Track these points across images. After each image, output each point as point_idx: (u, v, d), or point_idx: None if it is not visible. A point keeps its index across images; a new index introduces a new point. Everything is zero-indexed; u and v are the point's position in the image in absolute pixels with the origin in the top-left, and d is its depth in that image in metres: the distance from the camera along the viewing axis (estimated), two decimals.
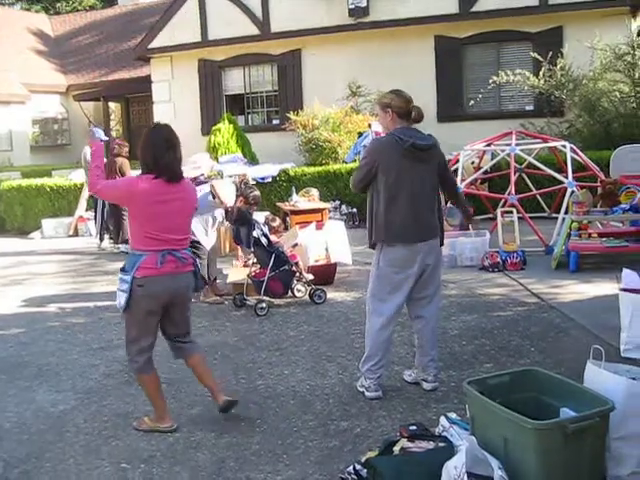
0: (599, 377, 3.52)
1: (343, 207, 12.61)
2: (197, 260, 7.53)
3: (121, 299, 4.27)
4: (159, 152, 4.29)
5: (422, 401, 4.69)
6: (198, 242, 7.66)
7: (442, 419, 3.86)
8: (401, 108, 4.70)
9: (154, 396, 4.50)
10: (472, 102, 14.92)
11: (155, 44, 17.62)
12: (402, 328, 6.06)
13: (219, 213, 7.78)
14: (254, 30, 16.56)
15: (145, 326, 4.37)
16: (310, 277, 7.62)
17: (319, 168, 12.98)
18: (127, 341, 4.47)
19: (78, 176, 14.41)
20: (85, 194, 13.58)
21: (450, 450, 3.43)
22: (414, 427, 3.82)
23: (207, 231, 7.73)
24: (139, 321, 4.35)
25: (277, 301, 7.49)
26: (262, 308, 7.10)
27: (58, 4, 36.72)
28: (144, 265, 4.22)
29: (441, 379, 4.98)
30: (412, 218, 4.65)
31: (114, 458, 4.14)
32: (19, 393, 5.30)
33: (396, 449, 3.59)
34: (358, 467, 3.56)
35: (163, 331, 4.55)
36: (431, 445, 3.60)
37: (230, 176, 11.55)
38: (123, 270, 4.30)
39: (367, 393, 4.81)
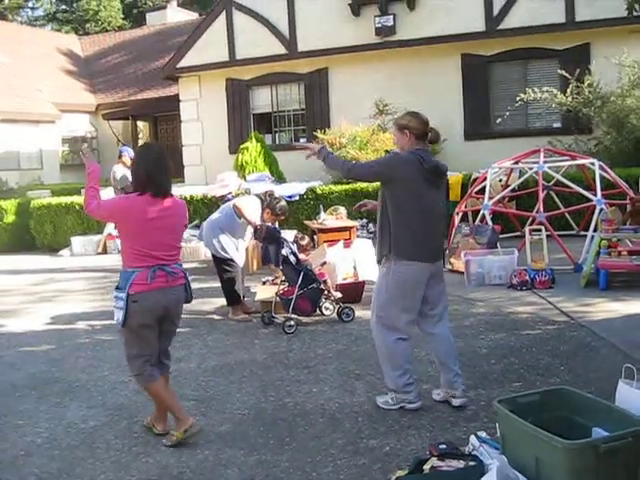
0: (631, 396, 3.49)
1: (371, 225, 12.58)
2: (226, 274, 7.67)
3: (119, 315, 4.42)
4: (150, 169, 4.43)
5: (451, 420, 4.66)
6: (231, 259, 7.71)
7: (472, 438, 3.85)
8: (419, 130, 4.77)
9: (170, 401, 4.59)
10: (499, 120, 14.88)
11: (183, 63, 17.81)
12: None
13: (249, 231, 7.81)
14: (281, 49, 16.70)
15: (144, 340, 4.50)
16: (338, 295, 7.63)
17: (346, 186, 12.96)
18: (129, 358, 4.59)
19: (107, 194, 14.51)
20: None
21: (481, 469, 3.42)
22: (444, 446, 3.81)
23: (237, 247, 7.77)
24: (138, 336, 4.48)
25: (305, 319, 7.49)
26: (290, 326, 7.11)
27: (88, 25, 37.40)
28: (136, 281, 4.36)
29: (470, 397, 4.95)
30: (424, 238, 4.73)
31: (144, 474, 4.16)
32: (50, 409, 5.35)
33: (426, 468, 3.57)
34: None
35: None
36: (461, 464, 3.57)
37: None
38: (117, 288, 4.45)
39: (410, 405, 4.81)
